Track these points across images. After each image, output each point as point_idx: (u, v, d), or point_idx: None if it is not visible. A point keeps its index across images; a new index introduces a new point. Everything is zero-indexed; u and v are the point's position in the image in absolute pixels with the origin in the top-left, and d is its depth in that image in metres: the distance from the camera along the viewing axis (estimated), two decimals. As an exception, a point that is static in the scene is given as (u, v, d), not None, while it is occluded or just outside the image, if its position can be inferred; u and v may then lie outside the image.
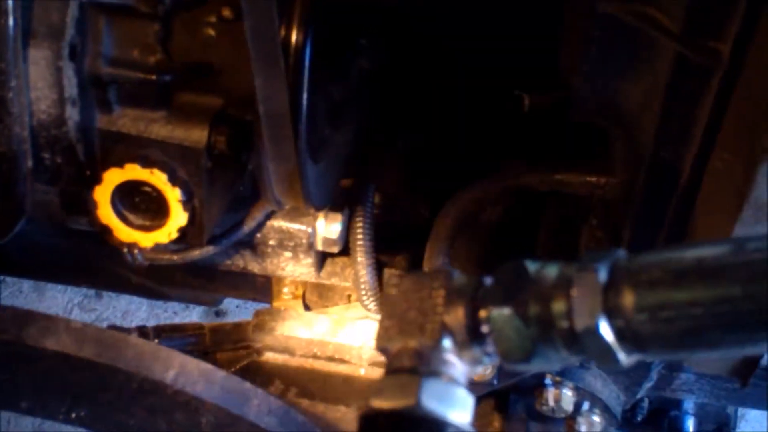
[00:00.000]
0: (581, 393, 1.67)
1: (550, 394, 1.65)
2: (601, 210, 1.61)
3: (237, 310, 3.02)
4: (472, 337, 0.73)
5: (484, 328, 0.73)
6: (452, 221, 1.65)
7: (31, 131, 1.27)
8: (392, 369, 0.74)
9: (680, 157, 1.22)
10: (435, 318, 0.73)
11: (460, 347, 0.74)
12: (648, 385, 1.67)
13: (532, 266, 0.73)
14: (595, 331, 0.68)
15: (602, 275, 0.69)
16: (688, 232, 1.26)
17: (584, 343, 0.69)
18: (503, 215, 1.81)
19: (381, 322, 0.76)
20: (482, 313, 0.73)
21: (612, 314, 0.68)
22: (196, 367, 1.26)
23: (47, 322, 1.22)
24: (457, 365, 0.74)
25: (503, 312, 0.72)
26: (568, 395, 1.65)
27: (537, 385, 1.66)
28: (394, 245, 1.77)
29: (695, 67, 1.12)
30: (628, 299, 0.67)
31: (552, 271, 0.72)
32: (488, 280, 0.75)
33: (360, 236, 1.59)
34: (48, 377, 1.22)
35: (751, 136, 1.03)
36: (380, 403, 0.71)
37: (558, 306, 0.70)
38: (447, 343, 0.73)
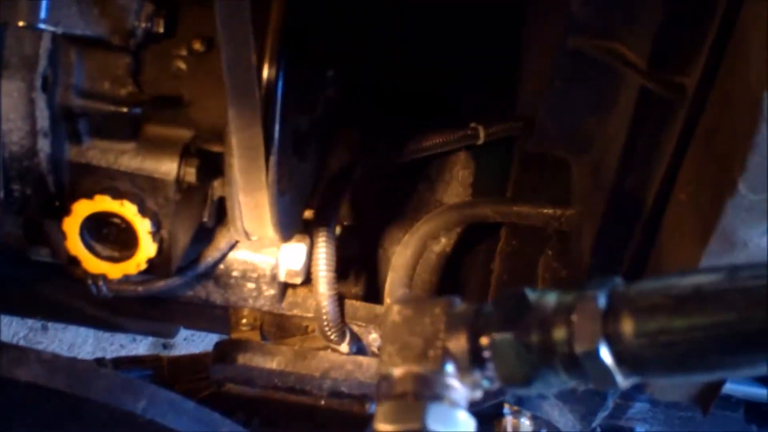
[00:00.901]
0: (539, 422, 1.70)
1: (509, 423, 1.67)
2: (557, 241, 1.64)
3: (185, 342, 3.00)
4: (473, 362, 0.76)
5: (486, 354, 0.75)
6: (411, 252, 1.68)
7: (2, 163, 1.27)
8: (395, 394, 0.76)
9: (644, 188, 1.26)
10: (437, 344, 0.76)
11: (462, 372, 0.76)
12: (603, 414, 1.70)
13: (532, 294, 0.76)
14: (595, 356, 0.70)
15: (601, 301, 0.72)
16: (650, 263, 1.29)
17: (584, 367, 0.71)
18: (457, 246, 1.84)
19: (383, 348, 0.77)
20: (484, 339, 0.75)
21: (611, 339, 0.70)
22: (165, 397, 1.26)
23: (18, 353, 1.21)
24: (458, 389, 0.76)
25: (505, 337, 0.74)
26: (526, 424, 1.68)
27: (496, 414, 1.69)
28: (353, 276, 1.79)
29: (660, 100, 1.16)
30: (627, 325, 0.70)
31: (552, 298, 0.75)
32: (488, 307, 0.77)
33: (322, 267, 1.61)
34: (19, 407, 1.22)
35: (718, 168, 1.06)
36: (386, 427, 0.73)
37: (559, 331, 0.72)
38: (449, 368, 0.76)
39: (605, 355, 0.70)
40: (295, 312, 1.68)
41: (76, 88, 1.30)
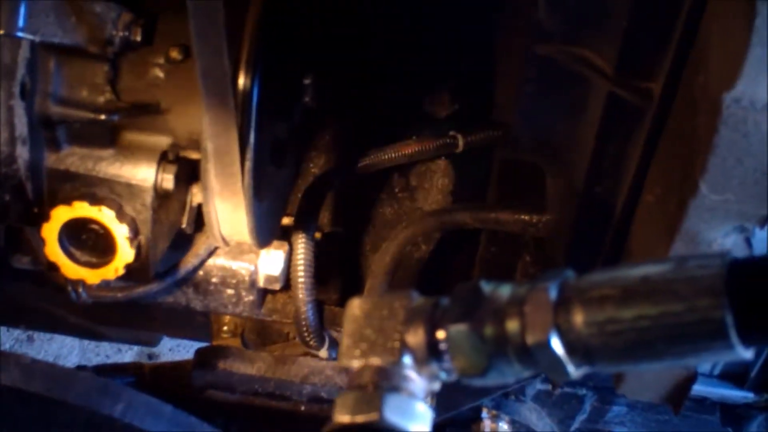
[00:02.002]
0: (517, 426, 1.71)
1: (487, 427, 1.69)
2: (534, 247, 1.66)
3: (170, 352, 3.02)
4: (431, 354, 0.77)
5: (442, 346, 0.77)
6: (390, 258, 1.70)
7: (-19, 170, 1.29)
8: (355, 385, 0.77)
9: (613, 192, 1.28)
10: (395, 336, 0.77)
11: (420, 364, 0.78)
12: (581, 417, 1.72)
13: (486, 286, 0.78)
14: (546, 346, 0.72)
15: (553, 293, 0.73)
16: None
17: (536, 357, 0.73)
18: (437, 252, 1.86)
19: (344, 340, 0.79)
20: (440, 332, 0.77)
21: (562, 329, 0.72)
22: (143, 401, 1.27)
23: (-4, 358, 1.23)
24: (416, 381, 0.78)
25: (460, 329, 0.76)
26: (504, 428, 1.69)
27: (474, 418, 1.70)
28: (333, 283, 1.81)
29: (628, 105, 1.19)
30: (577, 315, 0.72)
31: (505, 290, 0.77)
32: (445, 300, 0.79)
33: (301, 273, 1.62)
34: (-3, 411, 1.23)
35: (682, 170, 1.08)
36: (345, 418, 0.75)
37: (512, 323, 0.74)
38: (407, 360, 0.77)
39: (556, 345, 0.72)
40: (275, 318, 1.70)
41: (54, 95, 1.32)
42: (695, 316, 0.68)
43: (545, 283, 0.74)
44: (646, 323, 0.69)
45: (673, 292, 0.69)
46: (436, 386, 0.79)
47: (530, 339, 0.73)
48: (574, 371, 0.73)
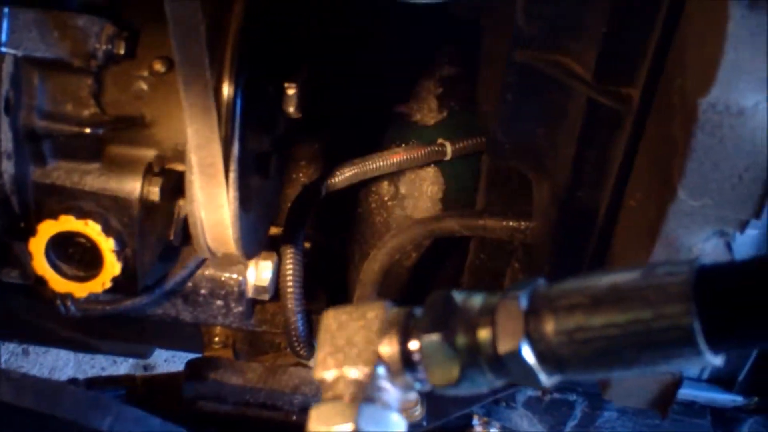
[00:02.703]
0: (508, 432, 1.71)
1: (478, 433, 1.69)
2: (523, 254, 1.66)
3: (166, 363, 3.02)
4: (404, 364, 0.78)
5: (416, 356, 0.77)
6: (379, 267, 1.70)
7: (-33, 185, 1.30)
8: (329, 396, 0.78)
9: (596, 198, 1.28)
10: (370, 347, 0.78)
11: (394, 375, 0.78)
12: (572, 423, 1.72)
13: (458, 296, 0.78)
14: (517, 355, 0.73)
15: (523, 302, 0.74)
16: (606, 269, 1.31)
17: (508, 366, 0.73)
18: (427, 260, 1.86)
19: (318, 351, 0.80)
20: (413, 342, 0.77)
21: (533, 338, 0.73)
22: (132, 414, 1.28)
23: (-15, 373, 1.23)
24: (391, 391, 0.78)
25: (432, 339, 0.76)
26: (495, 435, 1.69)
27: (465, 425, 1.71)
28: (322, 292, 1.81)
29: (608, 111, 1.19)
30: (548, 324, 0.72)
31: (477, 299, 0.77)
32: (418, 311, 0.80)
33: (290, 283, 1.62)
34: (-13, 426, 1.23)
35: (661, 176, 1.09)
36: (319, 428, 0.75)
37: (483, 332, 0.74)
38: (381, 370, 0.78)
39: (527, 354, 0.72)
40: (265, 328, 1.70)
41: (38, 109, 1.33)
42: (664, 323, 0.68)
43: (516, 292, 0.74)
44: (616, 331, 0.70)
45: (642, 300, 0.69)
46: (412, 396, 0.80)
47: (501, 348, 0.73)
48: (545, 380, 0.73)
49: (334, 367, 0.78)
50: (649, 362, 0.70)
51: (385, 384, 0.78)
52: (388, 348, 0.78)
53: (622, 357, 0.70)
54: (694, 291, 0.68)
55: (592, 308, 0.71)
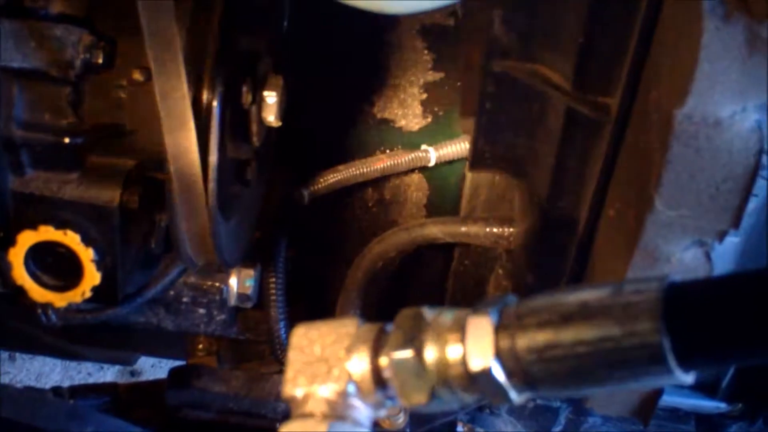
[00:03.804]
0: (492, 439, 1.71)
1: (462, 440, 1.69)
2: (507, 260, 1.66)
3: (152, 369, 3.01)
4: (375, 381, 0.77)
5: (386, 373, 0.77)
6: (362, 274, 1.70)
7: (-55, 195, 1.29)
8: (299, 414, 0.77)
9: (576, 206, 1.28)
10: (340, 364, 0.77)
11: (364, 392, 0.77)
12: (556, 429, 1.72)
13: (429, 312, 0.77)
14: (488, 373, 0.72)
15: (494, 319, 0.73)
16: (586, 278, 1.31)
17: (478, 383, 0.73)
18: (412, 267, 1.86)
19: (287, 369, 0.79)
20: (383, 359, 0.77)
21: (503, 356, 0.72)
22: (111, 425, 1.28)
23: (-37, 384, 1.23)
24: (361, 409, 0.77)
25: (402, 356, 0.76)
26: (479, 442, 1.69)
27: (449, 432, 1.70)
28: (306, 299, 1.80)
29: (586, 120, 1.19)
30: (517, 341, 0.72)
31: (448, 316, 0.76)
32: (390, 327, 0.79)
33: (273, 291, 1.62)
34: (-36, 437, 1.23)
35: (639, 186, 1.09)
36: (289, 448, 0.75)
37: (453, 349, 0.74)
38: (351, 388, 0.77)
39: (497, 372, 0.72)
40: (248, 336, 1.70)
41: (17, 119, 1.31)
42: (633, 341, 0.68)
43: (486, 309, 0.74)
44: (585, 348, 0.69)
45: (611, 317, 0.69)
46: (382, 413, 0.79)
47: (472, 366, 0.73)
48: (516, 397, 0.73)
49: (304, 384, 0.78)
50: (620, 380, 0.70)
51: (356, 402, 0.77)
52: (359, 365, 0.77)
53: (593, 375, 0.70)
54: (663, 309, 0.67)
55: (562, 326, 0.70)
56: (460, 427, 1.69)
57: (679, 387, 1.49)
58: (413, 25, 1.67)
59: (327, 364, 0.77)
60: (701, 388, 1.53)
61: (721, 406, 1.53)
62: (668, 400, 1.52)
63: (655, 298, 0.68)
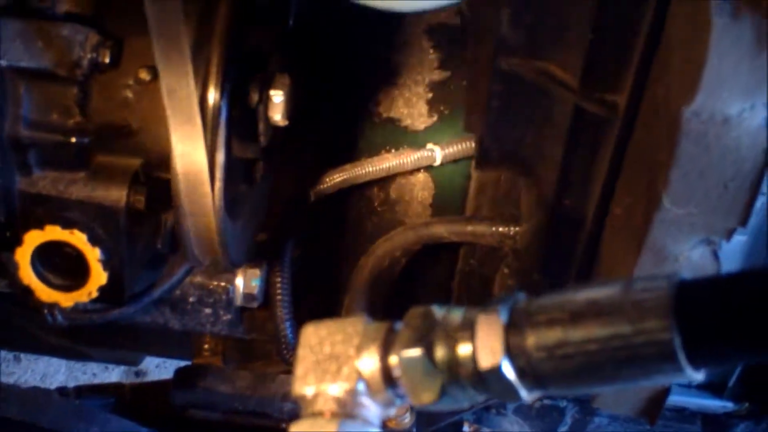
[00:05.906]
0: (498, 439, 1.71)
1: (469, 440, 1.69)
2: (512, 259, 1.66)
3: (157, 369, 3.01)
4: (384, 380, 0.77)
5: (396, 372, 0.77)
6: (369, 273, 1.69)
7: (-47, 195, 1.29)
8: (309, 413, 0.77)
9: (583, 204, 1.28)
10: (349, 363, 0.77)
11: (374, 391, 0.77)
12: (563, 429, 1.72)
13: (438, 310, 0.77)
14: (498, 371, 0.72)
15: (503, 317, 0.73)
16: (594, 276, 1.31)
17: (488, 381, 0.73)
18: (419, 266, 1.86)
19: (297, 367, 0.79)
20: (393, 357, 0.77)
21: (513, 354, 0.72)
22: (118, 425, 1.28)
23: (-31, 384, 1.23)
24: (371, 407, 0.77)
25: (412, 355, 0.76)
26: (485, 441, 1.69)
27: (455, 432, 1.70)
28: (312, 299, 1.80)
29: (594, 118, 1.18)
30: (527, 339, 0.72)
31: (457, 314, 0.76)
32: (398, 325, 0.79)
33: (279, 290, 1.62)
34: (-29, 438, 1.23)
35: (647, 184, 1.08)
36: (299, 446, 0.75)
37: (463, 347, 0.74)
38: (361, 386, 0.77)
39: (507, 370, 0.72)
40: (254, 336, 1.69)
41: (24, 119, 1.31)
42: (643, 339, 0.68)
43: (496, 307, 0.74)
44: (595, 346, 0.69)
45: (621, 315, 0.69)
46: (392, 412, 0.79)
47: (482, 364, 0.73)
48: (526, 395, 0.73)
49: (313, 382, 0.78)
50: (630, 378, 0.70)
51: (366, 400, 0.77)
52: (368, 364, 0.77)
53: (603, 372, 0.70)
54: (673, 306, 0.67)
55: (571, 323, 0.70)
56: (466, 427, 1.69)
57: (685, 386, 1.49)
58: (419, 24, 1.66)
59: (337, 363, 0.77)
60: (708, 388, 1.52)
61: (728, 405, 1.53)
62: (675, 399, 1.52)
63: (665, 295, 0.68)
